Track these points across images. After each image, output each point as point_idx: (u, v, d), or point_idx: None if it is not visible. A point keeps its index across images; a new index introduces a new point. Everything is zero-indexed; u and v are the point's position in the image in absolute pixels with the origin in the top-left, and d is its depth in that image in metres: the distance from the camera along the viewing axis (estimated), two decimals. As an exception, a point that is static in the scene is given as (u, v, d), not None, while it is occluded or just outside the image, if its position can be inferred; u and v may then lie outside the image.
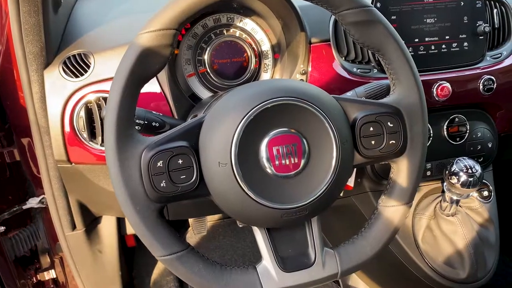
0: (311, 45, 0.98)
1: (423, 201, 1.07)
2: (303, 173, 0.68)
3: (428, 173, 1.07)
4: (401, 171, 0.75)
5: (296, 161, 0.67)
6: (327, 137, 0.68)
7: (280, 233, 0.73)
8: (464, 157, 0.93)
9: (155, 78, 0.94)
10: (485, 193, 1.10)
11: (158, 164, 0.63)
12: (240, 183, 0.64)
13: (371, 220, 0.76)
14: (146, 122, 0.79)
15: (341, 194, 1.08)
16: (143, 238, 0.65)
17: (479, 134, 1.08)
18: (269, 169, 0.66)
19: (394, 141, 0.73)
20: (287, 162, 0.67)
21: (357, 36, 0.71)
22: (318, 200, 0.68)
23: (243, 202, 0.66)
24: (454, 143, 1.07)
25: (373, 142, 0.73)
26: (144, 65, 0.63)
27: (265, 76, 1.05)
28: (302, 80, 0.98)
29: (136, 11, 1.06)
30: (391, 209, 0.75)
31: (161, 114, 0.83)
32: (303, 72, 0.97)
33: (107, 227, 1.30)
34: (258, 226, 0.72)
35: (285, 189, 0.67)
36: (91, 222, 1.24)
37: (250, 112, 0.65)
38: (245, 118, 0.64)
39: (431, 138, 1.06)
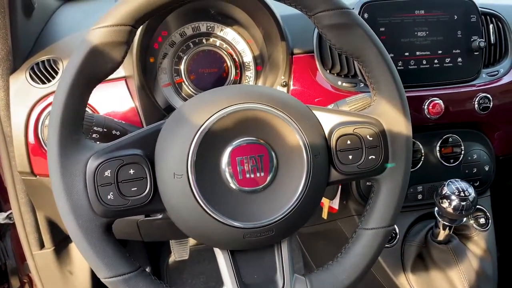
0: (294, 56, 0.93)
1: (414, 227, 0.99)
2: (269, 189, 0.61)
3: (420, 196, 0.99)
4: (382, 190, 0.68)
5: (262, 174, 0.61)
6: (297, 149, 0.61)
7: (245, 256, 0.65)
8: (457, 179, 0.85)
9: (125, 87, 0.89)
10: (482, 220, 1.02)
11: (106, 173, 0.57)
12: (197, 196, 0.58)
13: (348, 245, 0.69)
14: (105, 129, 0.73)
15: (325, 218, 1.01)
16: (86, 256, 0.58)
17: (475, 156, 1.01)
18: (231, 182, 0.60)
19: (373, 157, 0.66)
20: (252, 176, 0.60)
21: (334, 41, 0.66)
22: (286, 219, 0.61)
23: (201, 219, 0.59)
24: (448, 165, 1.00)
25: (350, 157, 0.66)
26: (94, 64, 0.58)
27: (246, 89, 0.99)
28: (283, 92, 0.91)
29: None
30: (370, 233, 0.68)
31: (123, 122, 0.77)
32: (284, 84, 0.92)
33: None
34: (220, 247, 0.64)
35: (249, 206, 0.61)
36: (61, 241, 1.16)
37: (211, 118, 0.59)
38: (205, 125, 0.58)
39: (422, 159, 0.99)
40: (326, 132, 0.66)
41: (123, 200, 0.58)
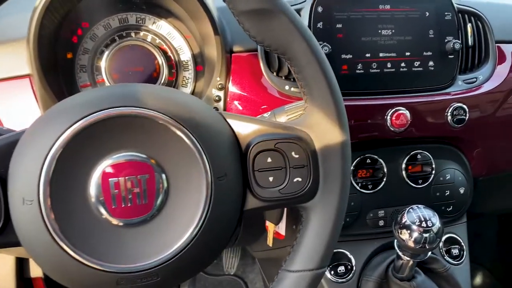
0: (233, 55, 0.79)
1: (374, 259, 0.84)
2: (155, 221, 0.47)
3: (381, 223, 0.84)
4: (311, 222, 0.54)
5: (146, 202, 0.47)
6: (194, 169, 0.47)
7: None
8: (419, 206, 0.71)
9: (30, 88, 0.75)
10: (455, 251, 0.87)
11: None
12: (51, 229, 0.44)
13: None
14: None
15: (271, 245, 0.86)
16: None
17: (448, 177, 0.86)
18: (102, 212, 0.46)
19: (300, 179, 0.52)
20: (131, 204, 0.46)
21: (253, 31, 0.52)
22: (177, 261, 0.47)
23: (59, 260, 0.45)
24: (416, 186, 0.85)
25: (271, 178, 0.52)
26: None
27: (184, 91, 0.85)
28: (218, 97, 0.77)
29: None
30: (294, 276, 0.53)
31: (4, 128, 0.62)
32: (220, 87, 0.77)
33: (2, 269, 1.07)
34: None
35: (126, 244, 0.47)
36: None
37: (73, 128, 0.44)
38: (64, 135, 0.44)
39: (384, 179, 0.84)
40: (243, 147, 0.52)
41: None
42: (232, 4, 0.51)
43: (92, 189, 0.45)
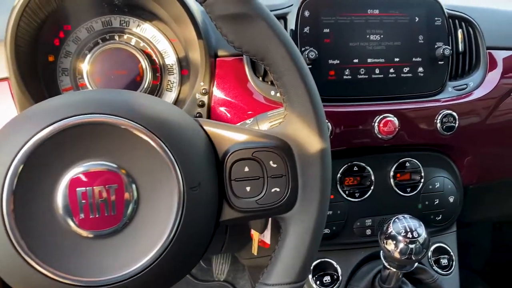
0: (218, 59, 0.77)
1: (361, 269, 0.83)
2: (124, 232, 0.46)
3: (368, 231, 0.83)
4: (289, 233, 0.52)
5: (114, 213, 0.45)
6: (166, 178, 0.45)
7: None
8: (405, 216, 0.69)
9: (9, 94, 0.73)
10: (444, 261, 0.85)
11: None
12: (12, 238, 0.42)
13: None
14: None
15: (255, 254, 0.84)
16: None
17: (437, 185, 0.85)
18: (69, 223, 0.44)
19: (278, 189, 0.51)
20: (99, 215, 0.44)
21: (231, 37, 0.50)
22: (148, 274, 0.45)
23: (25, 274, 0.43)
24: (404, 194, 0.84)
25: (248, 188, 0.50)
26: None
27: (169, 95, 0.84)
28: (202, 102, 0.76)
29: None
30: (271, 290, 0.51)
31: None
32: (204, 91, 0.76)
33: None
34: None
35: (94, 256, 0.45)
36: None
37: (37, 137, 0.43)
38: (27, 145, 0.42)
39: (372, 187, 0.82)
40: (220, 156, 0.51)
41: None
42: (209, 8, 0.49)
43: (59, 199, 0.44)
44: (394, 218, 0.69)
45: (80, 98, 0.46)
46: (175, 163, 0.45)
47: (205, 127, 0.52)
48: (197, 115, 0.76)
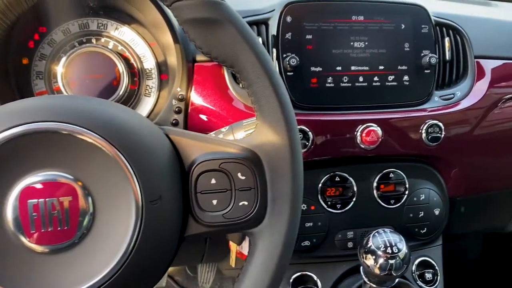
0: (196, 64, 0.75)
1: (342, 283, 0.80)
2: (80, 247, 0.43)
3: (350, 244, 0.80)
4: (258, 249, 0.50)
5: (67, 227, 0.42)
6: (123, 191, 0.43)
7: None
8: (385, 229, 0.67)
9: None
10: (428, 275, 0.83)
11: None
12: None
13: None
14: None
15: (233, 265, 0.82)
16: None
17: (423, 197, 0.82)
18: (19, 238, 0.41)
19: (246, 203, 0.48)
20: (51, 228, 0.42)
21: (199, 42, 0.48)
22: None
23: None
24: (388, 206, 0.81)
25: (214, 202, 0.48)
26: None
27: (147, 101, 0.81)
28: (178, 108, 0.73)
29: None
30: (238, 309, 0.49)
31: None
32: (181, 97, 0.73)
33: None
34: None
35: (47, 272, 0.42)
36: None
37: None
38: None
39: (354, 198, 0.80)
40: (186, 167, 0.48)
41: None
42: (176, 12, 0.47)
43: (9, 212, 0.41)
44: (374, 232, 0.67)
45: (30, 105, 0.43)
46: (133, 174, 0.43)
47: (171, 136, 0.49)
48: (174, 121, 0.73)
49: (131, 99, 0.80)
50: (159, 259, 0.47)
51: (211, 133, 0.63)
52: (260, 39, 0.76)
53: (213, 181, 0.48)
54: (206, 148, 0.49)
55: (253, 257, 0.49)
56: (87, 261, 0.43)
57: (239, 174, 0.48)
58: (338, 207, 0.79)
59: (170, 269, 1.49)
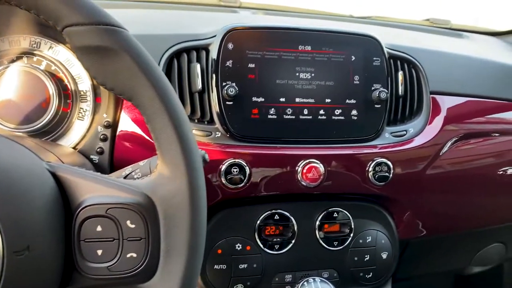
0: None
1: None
2: None
3: (288, 288, 0.75)
4: (148, 306, 0.44)
5: None
6: None
7: None
8: (315, 278, 0.62)
9: None
10: (373, 326, 0.77)
11: None
12: None
13: None
14: None
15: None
16: None
17: (369, 239, 0.77)
18: None
19: (134, 255, 0.43)
20: None
21: (93, 71, 0.43)
22: None
23: None
24: (331, 248, 0.76)
25: (99, 252, 0.43)
26: None
27: (80, 124, 0.76)
28: (104, 136, 0.68)
29: None
30: None
31: None
32: (107, 124, 0.69)
33: None
34: None
35: None
36: None
37: None
38: None
39: (294, 238, 0.74)
40: (72, 210, 0.43)
41: None
42: (68, 38, 0.43)
43: None
44: (303, 281, 0.62)
45: None
46: None
47: (59, 174, 0.44)
48: (98, 150, 0.68)
49: (62, 122, 0.75)
50: None
51: (128, 167, 0.58)
52: (198, 66, 0.71)
53: (99, 228, 0.43)
54: (94, 190, 0.44)
55: None
56: None
57: (128, 222, 0.43)
58: (277, 248, 0.74)
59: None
